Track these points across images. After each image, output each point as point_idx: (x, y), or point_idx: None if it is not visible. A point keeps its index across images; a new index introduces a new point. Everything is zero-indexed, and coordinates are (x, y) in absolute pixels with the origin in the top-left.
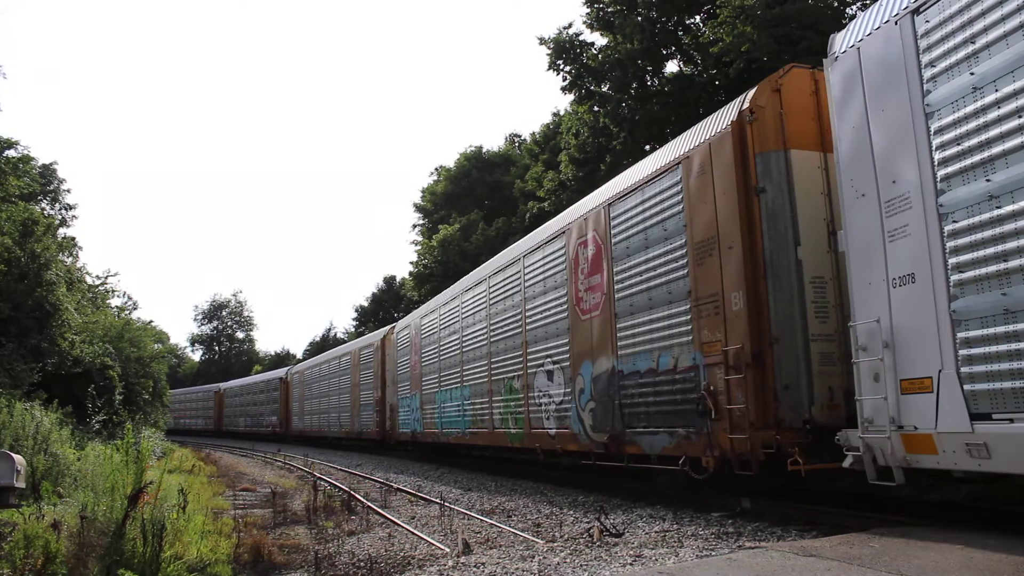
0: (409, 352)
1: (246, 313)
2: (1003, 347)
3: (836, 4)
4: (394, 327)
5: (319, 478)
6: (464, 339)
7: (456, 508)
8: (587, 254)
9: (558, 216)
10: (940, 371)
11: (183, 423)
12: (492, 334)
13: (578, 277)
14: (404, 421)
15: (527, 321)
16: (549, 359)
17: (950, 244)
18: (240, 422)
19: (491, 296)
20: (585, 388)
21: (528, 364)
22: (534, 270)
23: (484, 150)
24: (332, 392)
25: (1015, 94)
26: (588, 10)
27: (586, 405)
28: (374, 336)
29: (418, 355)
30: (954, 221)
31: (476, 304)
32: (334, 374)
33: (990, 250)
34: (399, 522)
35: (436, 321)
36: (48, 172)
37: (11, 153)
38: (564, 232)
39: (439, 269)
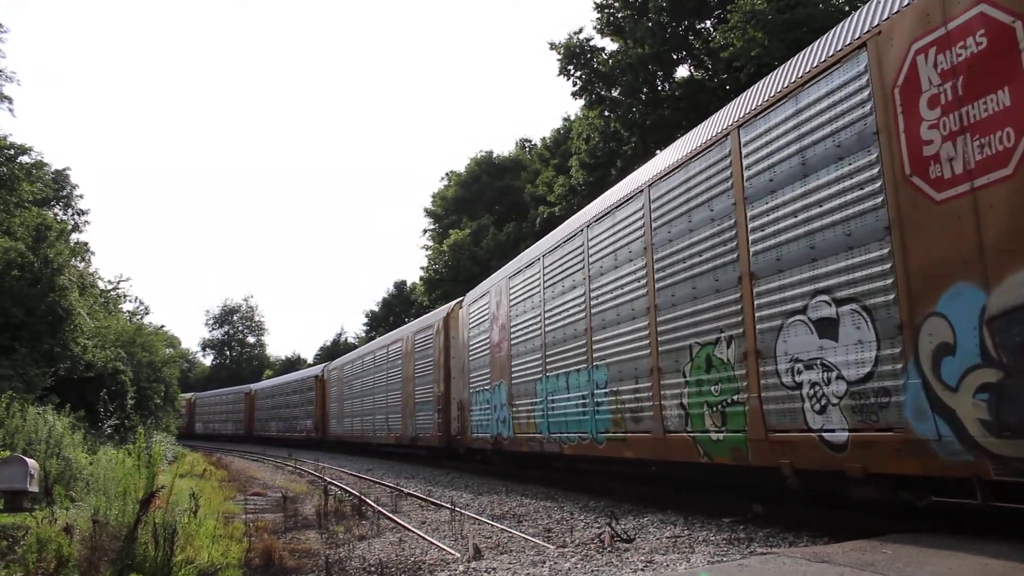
0: (488, 329)
1: (257, 318)
2: None
3: (847, 9)
4: (462, 300)
5: (330, 483)
6: (594, 294)
7: (467, 513)
8: (954, 57)
9: (845, 22)
10: None
11: (212, 427)
12: (659, 274)
13: (919, 115)
14: (480, 423)
15: (751, 235)
16: (821, 297)
17: None
18: (272, 426)
19: (654, 215)
20: (959, 343)
21: (759, 313)
22: (768, 143)
23: (495, 155)
24: (377, 389)
25: None
26: (599, 15)
27: (963, 379)
28: (433, 316)
29: (504, 331)
30: None
31: (619, 235)
32: (380, 367)
33: None
34: (410, 527)
35: (536, 279)
36: (61, 177)
37: (24, 159)
38: (870, 40)
39: (449, 274)
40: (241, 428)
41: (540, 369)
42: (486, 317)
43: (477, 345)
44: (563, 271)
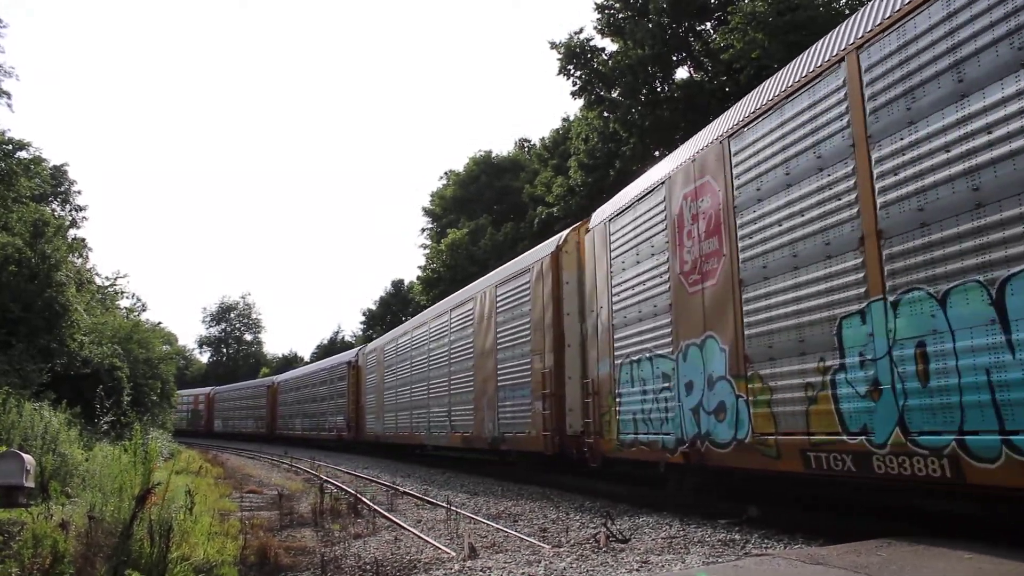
0: (664, 248)
1: (254, 315)
2: None
3: (848, 12)
4: (586, 223)
5: (325, 481)
6: None
7: (462, 512)
8: None
9: None
10: None
11: (232, 425)
12: None
13: None
14: (641, 416)
15: None
16: None
17: None
18: (296, 424)
19: None
20: None
21: None
22: None
23: (493, 155)
24: (434, 373)
25: None
26: (599, 16)
27: None
28: (531, 256)
29: (713, 239)
30: None
31: None
32: (438, 342)
33: None
34: (405, 526)
35: (833, 108)
36: (59, 173)
37: (23, 154)
38: None
39: (447, 273)
40: (263, 426)
41: (858, 291)
42: (655, 228)
43: (633, 284)
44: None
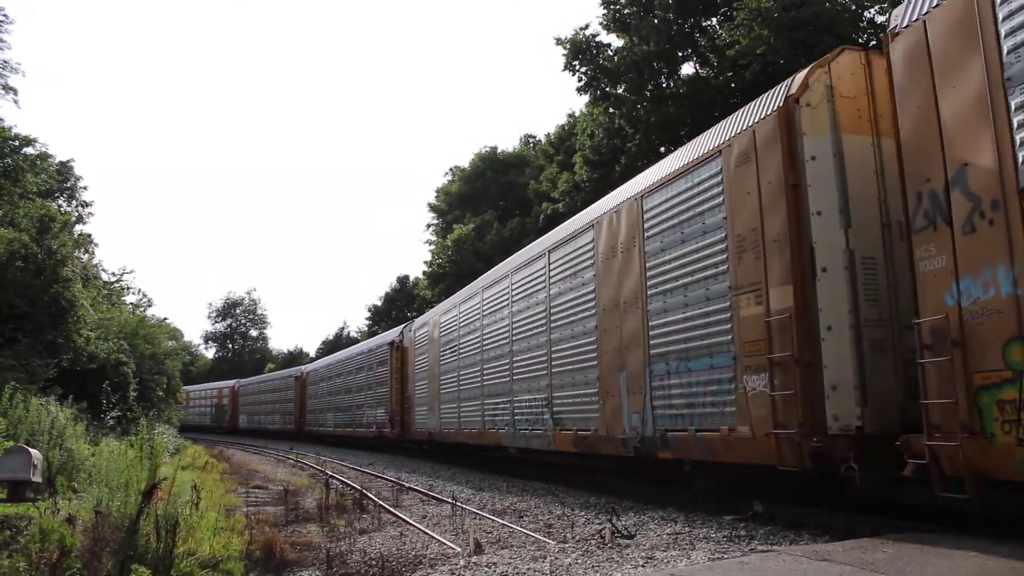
0: None
1: (260, 311)
2: None
3: (853, 7)
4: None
5: (331, 476)
6: None
7: (468, 508)
8: None
9: None
10: None
11: (258, 420)
12: None
13: None
14: None
15: None
16: None
17: None
18: (328, 419)
19: None
20: None
21: None
22: None
23: (499, 151)
24: (521, 345)
25: None
26: (604, 11)
27: None
28: (722, 129)
29: None
30: None
31: None
32: (527, 300)
33: None
34: (411, 521)
35: None
36: (65, 169)
37: (29, 150)
38: None
39: (453, 269)
40: (291, 422)
41: None
42: None
43: None
44: None
